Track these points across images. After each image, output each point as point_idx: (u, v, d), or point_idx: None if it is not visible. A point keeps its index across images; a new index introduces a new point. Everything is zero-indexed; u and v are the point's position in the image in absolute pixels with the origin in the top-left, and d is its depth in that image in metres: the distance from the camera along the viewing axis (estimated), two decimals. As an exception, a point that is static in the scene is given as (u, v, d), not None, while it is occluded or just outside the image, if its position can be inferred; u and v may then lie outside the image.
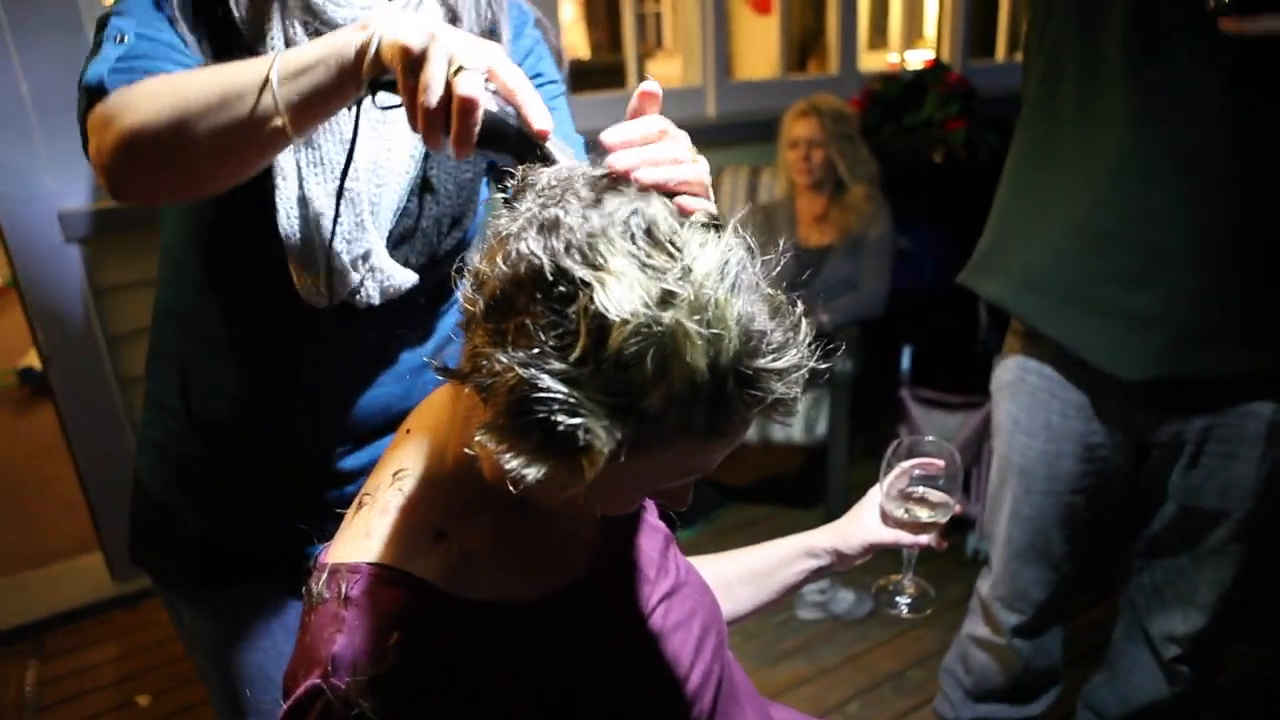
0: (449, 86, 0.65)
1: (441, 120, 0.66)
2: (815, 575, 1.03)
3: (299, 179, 0.90)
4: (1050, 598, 1.42)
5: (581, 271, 0.54)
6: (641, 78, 3.18)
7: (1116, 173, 1.14)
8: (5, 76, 2.02)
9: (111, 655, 2.31)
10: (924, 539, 1.01)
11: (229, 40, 0.88)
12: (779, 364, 0.57)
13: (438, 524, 0.68)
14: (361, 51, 0.68)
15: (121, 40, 0.83)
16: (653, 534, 0.86)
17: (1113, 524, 1.38)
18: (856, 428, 2.70)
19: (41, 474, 3.19)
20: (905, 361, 2.57)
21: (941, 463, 1.02)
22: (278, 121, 0.72)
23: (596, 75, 3.83)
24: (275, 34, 0.88)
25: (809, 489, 2.84)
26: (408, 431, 0.73)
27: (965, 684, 1.56)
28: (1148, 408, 1.23)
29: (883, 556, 1.04)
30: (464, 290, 0.61)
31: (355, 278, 0.93)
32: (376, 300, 0.95)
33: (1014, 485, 1.37)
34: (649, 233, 0.55)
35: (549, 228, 0.56)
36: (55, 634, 2.39)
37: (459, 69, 0.65)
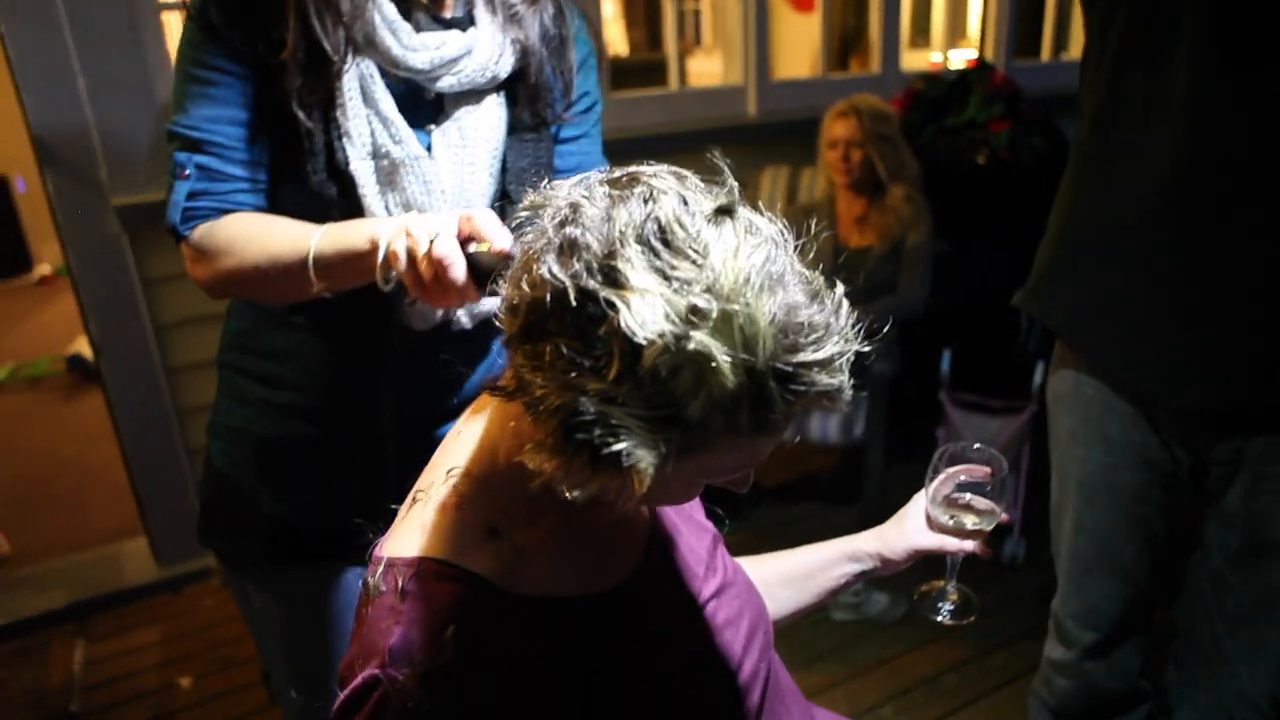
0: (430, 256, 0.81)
1: (443, 288, 0.82)
2: (857, 579, 1.03)
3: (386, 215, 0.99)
4: (1126, 613, 1.36)
5: (605, 293, 0.53)
6: (682, 75, 3.17)
7: (1184, 203, 1.11)
8: (64, 74, 2.07)
9: (155, 638, 2.37)
10: (969, 546, 1.00)
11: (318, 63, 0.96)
12: (819, 355, 0.56)
13: (490, 521, 0.69)
14: (372, 254, 0.87)
15: (185, 176, 0.96)
16: (701, 533, 0.86)
17: (1187, 535, 1.32)
18: (894, 430, 2.69)
19: (88, 460, 3.26)
20: (945, 364, 2.55)
21: (988, 469, 1.01)
22: (316, 288, 0.92)
23: (635, 73, 3.83)
24: (351, 81, 0.96)
25: (844, 490, 2.83)
26: (459, 433, 0.75)
27: (1050, 705, 1.52)
28: (1206, 424, 1.20)
29: (921, 562, 1.04)
30: (500, 311, 0.61)
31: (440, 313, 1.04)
32: (468, 325, 1.05)
33: (1076, 499, 1.34)
34: (666, 241, 0.54)
35: (567, 249, 0.56)
36: (101, 616, 2.45)
37: (435, 237, 0.81)
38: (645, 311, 0.52)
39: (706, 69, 5.83)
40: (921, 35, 5.09)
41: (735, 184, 0.61)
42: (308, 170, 0.97)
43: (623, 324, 0.52)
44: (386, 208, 0.98)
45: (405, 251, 0.83)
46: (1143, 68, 1.12)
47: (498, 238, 0.81)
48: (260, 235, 0.95)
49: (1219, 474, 1.22)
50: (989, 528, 1.00)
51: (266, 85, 0.95)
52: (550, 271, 0.55)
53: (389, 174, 0.98)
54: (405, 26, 0.96)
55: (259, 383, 1.10)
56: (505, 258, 0.80)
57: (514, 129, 1.05)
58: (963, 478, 1.01)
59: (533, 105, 1.05)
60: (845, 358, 0.58)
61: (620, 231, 0.55)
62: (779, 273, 0.56)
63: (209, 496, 1.17)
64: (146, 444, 2.42)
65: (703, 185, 0.60)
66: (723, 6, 3.16)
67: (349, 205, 0.98)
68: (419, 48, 0.96)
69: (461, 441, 0.74)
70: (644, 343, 0.52)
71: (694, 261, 0.54)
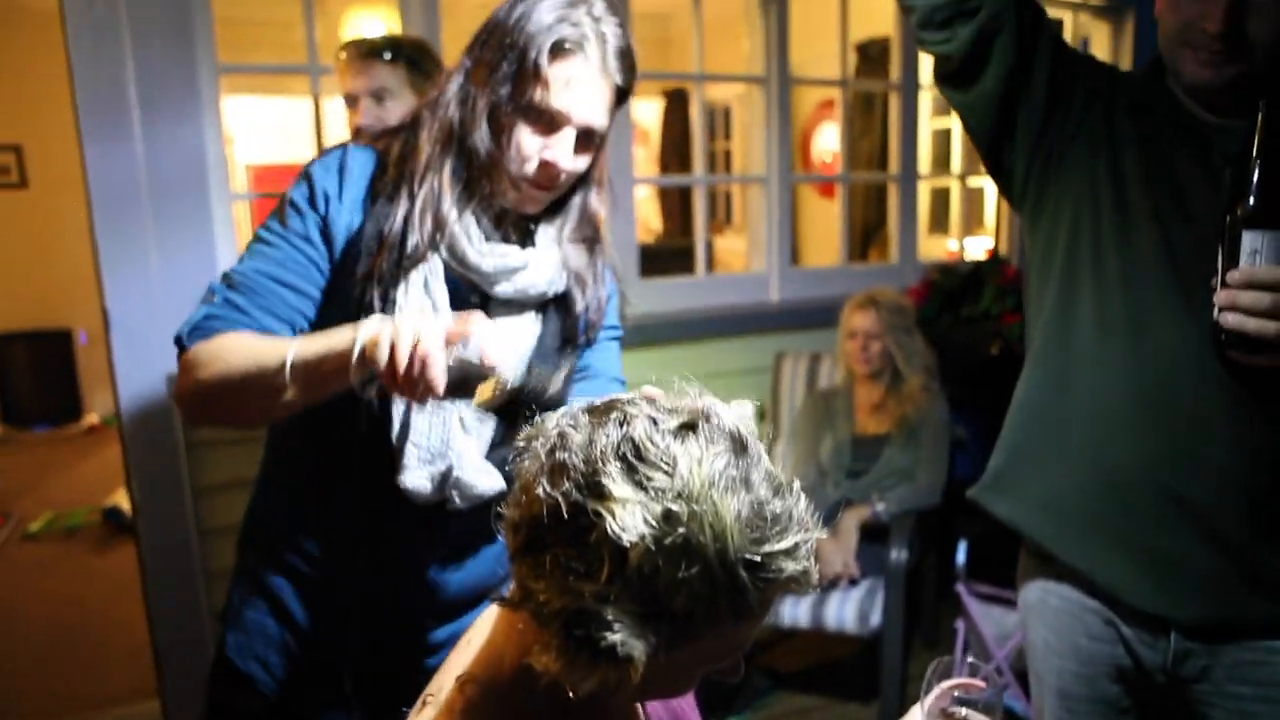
0: (413, 352, 0.84)
1: (416, 382, 0.86)
2: None
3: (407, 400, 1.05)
4: None
5: (592, 505, 0.62)
6: (709, 262, 3.35)
7: (1133, 414, 1.17)
8: (141, 252, 2.27)
9: (157, 809, 2.33)
10: None
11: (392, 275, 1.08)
12: (784, 544, 0.64)
13: (495, 728, 0.74)
14: (349, 350, 0.91)
15: (212, 300, 1.04)
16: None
17: None
18: (914, 620, 2.66)
19: (113, 615, 3.29)
20: (961, 555, 2.55)
21: (982, 684, 1.03)
22: (289, 394, 0.95)
23: (667, 257, 4.06)
24: (418, 272, 1.07)
25: (863, 680, 2.76)
26: (470, 641, 0.81)
27: None
28: (1166, 631, 1.21)
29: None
30: (503, 531, 0.70)
31: (437, 490, 1.08)
32: (462, 506, 1.10)
33: (1057, 709, 1.34)
34: (641, 456, 0.63)
35: (558, 471, 0.65)
36: (106, 782, 2.42)
37: (420, 334, 0.85)
38: (627, 518, 0.61)
39: (736, 246, 6.11)
40: (939, 225, 5.33)
41: (698, 403, 0.70)
42: None
43: (609, 530, 0.60)
44: None
45: (388, 341, 0.87)
46: (1088, 291, 1.21)
47: (490, 352, 0.88)
48: (247, 341, 1.02)
49: (1195, 694, 1.22)
50: None
51: (336, 259, 1.08)
52: (544, 491, 0.64)
53: None
54: (479, 234, 1.09)
55: (280, 572, 1.15)
56: (490, 369, 0.87)
57: (543, 340, 1.17)
58: (957, 693, 1.04)
59: (564, 325, 1.18)
60: (809, 545, 0.66)
61: (601, 451, 0.64)
62: (741, 475, 0.65)
63: (218, 698, 1.18)
64: (172, 605, 2.46)
65: (669, 406, 0.69)
66: (750, 197, 3.37)
67: None
68: (487, 254, 1.09)
69: (471, 649, 0.80)
70: (629, 545, 0.60)
71: (665, 472, 0.63)
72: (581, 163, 1.11)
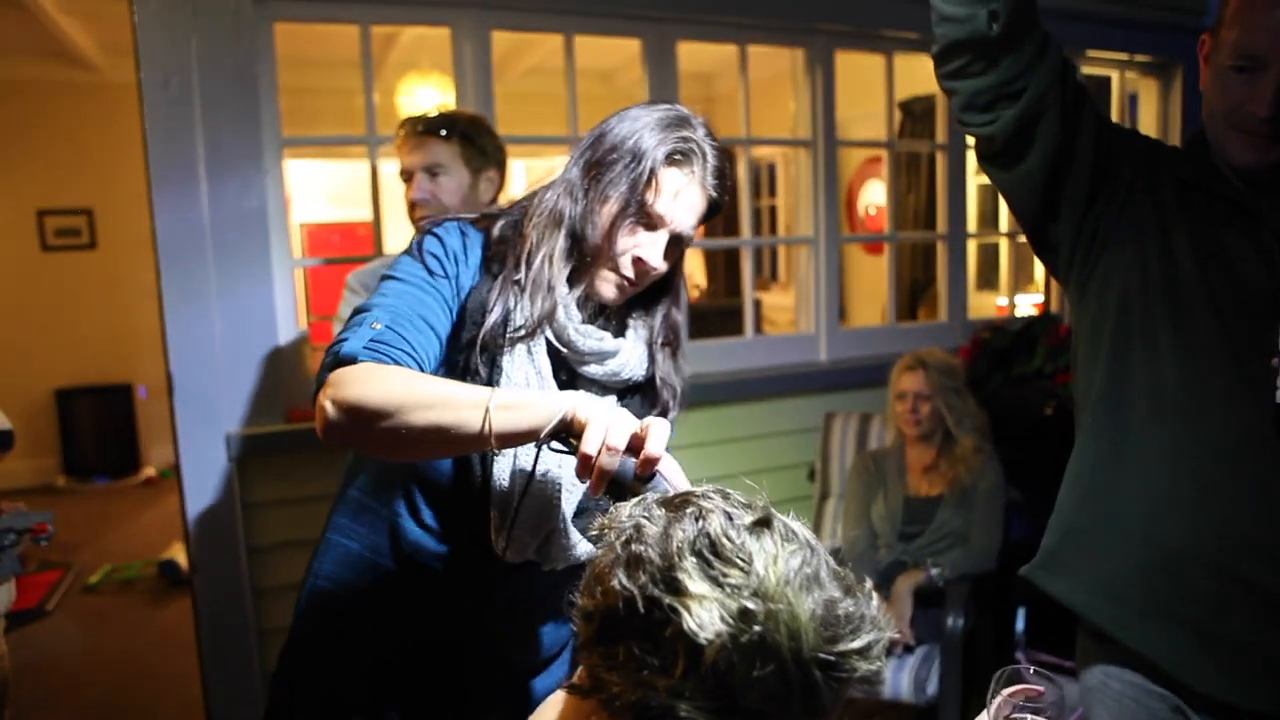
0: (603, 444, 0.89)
1: (596, 467, 0.90)
2: None
3: (514, 456, 1.11)
4: None
5: (668, 600, 0.62)
6: (757, 323, 3.36)
7: (1190, 494, 1.15)
8: (205, 316, 2.35)
9: None
10: None
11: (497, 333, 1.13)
12: (857, 643, 0.64)
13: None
14: (551, 415, 0.94)
15: (376, 326, 1.06)
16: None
17: None
18: (972, 689, 2.58)
19: (167, 669, 3.33)
20: (1020, 622, 2.49)
21: (1041, 689, 1.02)
22: (488, 438, 0.95)
23: (713, 317, 4.08)
24: (521, 348, 1.13)
25: (919, 750, 2.69)
26: (535, 724, 0.81)
27: None
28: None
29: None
30: (575, 618, 0.70)
31: (538, 549, 1.15)
32: (560, 568, 1.16)
33: None
34: (717, 552, 0.64)
35: (634, 563, 0.65)
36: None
37: (610, 426, 0.90)
38: (704, 615, 0.61)
39: (783, 302, 6.11)
40: (988, 281, 5.29)
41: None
42: None
43: (685, 627, 0.60)
44: (515, 450, 1.12)
45: (603, 424, 0.90)
46: (1140, 368, 1.20)
47: (653, 446, 0.90)
48: (431, 378, 1.03)
49: None
50: None
51: (456, 315, 1.14)
52: (620, 583, 0.65)
53: None
54: (578, 315, 1.16)
55: (353, 628, 1.20)
56: (649, 475, 0.90)
57: None
58: (1022, 700, 1.03)
59: (645, 413, 1.24)
60: (881, 644, 0.66)
61: (678, 546, 0.65)
62: (814, 572, 0.65)
63: None
64: (226, 663, 2.49)
65: (743, 500, 0.70)
66: (797, 256, 3.38)
67: None
68: (586, 335, 1.16)
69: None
70: (705, 643, 0.60)
71: (741, 569, 0.63)
72: (666, 265, 1.19)
